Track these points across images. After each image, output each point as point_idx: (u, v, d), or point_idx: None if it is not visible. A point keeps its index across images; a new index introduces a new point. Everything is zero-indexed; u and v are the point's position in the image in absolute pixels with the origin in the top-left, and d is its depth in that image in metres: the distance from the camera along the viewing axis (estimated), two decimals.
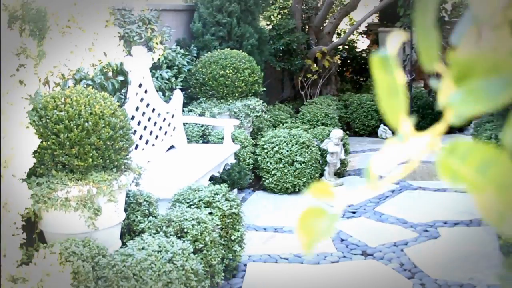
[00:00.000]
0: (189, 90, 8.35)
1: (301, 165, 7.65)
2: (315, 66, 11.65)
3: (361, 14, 14.31)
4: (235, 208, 5.23)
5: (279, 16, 12.00)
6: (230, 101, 8.14)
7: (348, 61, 14.86)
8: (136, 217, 4.91)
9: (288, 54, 11.51)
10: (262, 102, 8.43)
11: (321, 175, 8.21)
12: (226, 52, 8.32)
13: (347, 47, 14.75)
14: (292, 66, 11.48)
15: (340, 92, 13.03)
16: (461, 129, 11.89)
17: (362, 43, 16.38)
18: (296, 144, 7.71)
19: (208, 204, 5.10)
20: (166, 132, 7.18)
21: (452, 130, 11.58)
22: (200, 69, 8.18)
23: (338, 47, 13.31)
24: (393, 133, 10.14)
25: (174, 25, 8.36)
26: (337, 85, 12.95)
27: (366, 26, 15.38)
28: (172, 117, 7.31)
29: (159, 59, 7.39)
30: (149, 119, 6.78)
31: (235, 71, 8.11)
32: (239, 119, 7.90)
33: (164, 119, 7.14)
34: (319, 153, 8.01)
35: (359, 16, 14.76)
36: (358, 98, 11.72)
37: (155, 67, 7.26)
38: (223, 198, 5.20)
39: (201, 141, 7.91)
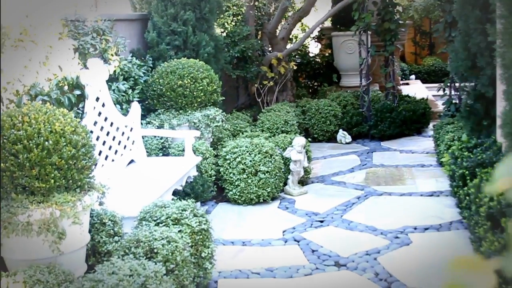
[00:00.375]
0: (147, 102, 8.11)
1: (265, 174, 7.49)
2: (271, 72, 11.51)
3: (312, 19, 14.28)
4: (204, 224, 5.02)
5: (233, 23, 11.83)
6: (189, 111, 7.92)
7: (302, 67, 14.78)
8: (101, 237, 4.68)
9: (244, 62, 11.34)
10: (222, 112, 8.23)
11: (285, 183, 8.06)
12: (183, 62, 8.11)
13: (300, 52, 14.66)
14: (248, 74, 11.32)
15: (296, 98, 12.91)
16: (419, 131, 11.86)
17: (315, 48, 16.34)
18: (259, 153, 7.54)
19: (176, 221, 4.89)
20: (125, 146, 6.93)
21: (410, 133, 11.58)
22: (157, 80, 7.95)
23: (292, 53, 13.18)
24: (353, 137, 10.11)
25: (128, 35, 8.12)
26: (293, 91, 12.83)
27: (318, 31, 15.31)
28: (131, 130, 7.07)
29: (115, 71, 7.14)
30: (107, 134, 6.53)
31: (193, 80, 7.90)
32: (199, 130, 7.69)
33: (123, 133, 6.89)
34: (282, 161, 7.85)
35: (310, 21, 14.72)
36: (315, 103, 11.60)
37: (111, 80, 7.01)
38: (191, 214, 4.99)
39: (161, 154, 7.69)
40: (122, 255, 4.39)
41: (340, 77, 14.43)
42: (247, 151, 7.57)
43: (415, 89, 16.19)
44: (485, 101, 7.48)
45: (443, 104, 10.73)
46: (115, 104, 6.89)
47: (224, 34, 11.34)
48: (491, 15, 7.07)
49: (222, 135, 8.44)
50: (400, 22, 11.77)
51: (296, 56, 14.34)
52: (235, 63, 11.26)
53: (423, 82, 18.98)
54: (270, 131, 9.71)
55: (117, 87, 7.22)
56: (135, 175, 6.64)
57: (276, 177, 7.62)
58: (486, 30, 7.06)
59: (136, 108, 7.19)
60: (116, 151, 6.71)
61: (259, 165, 7.49)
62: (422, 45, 22.33)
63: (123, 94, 7.37)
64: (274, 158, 7.62)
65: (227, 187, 7.62)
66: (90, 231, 4.60)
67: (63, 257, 4.15)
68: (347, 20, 13.34)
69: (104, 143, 6.44)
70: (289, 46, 13.04)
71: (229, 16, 11.59)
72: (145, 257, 4.33)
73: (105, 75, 6.53)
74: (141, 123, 7.51)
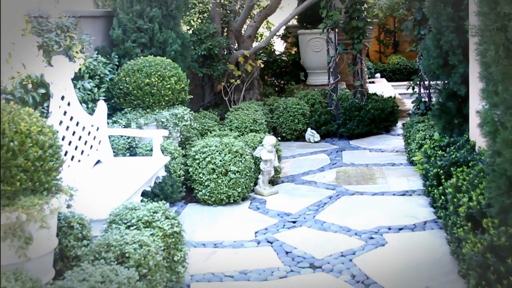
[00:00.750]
0: (113, 101, 7.89)
1: (235, 174, 7.32)
2: (238, 71, 11.35)
3: (277, 18, 14.17)
4: (177, 226, 4.85)
5: (199, 21, 11.65)
6: (157, 110, 7.73)
7: (268, 65, 14.65)
8: (69, 241, 4.46)
9: (210, 60, 11.18)
10: (190, 111, 8.05)
11: (255, 183, 7.90)
12: (150, 60, 7.90)
13: (266, 50, 14.53)
14: (215, 72, 11.15)
15: (263, 96, 12.77)
16: (387, 129, 11.81)
17: (281, 46, 16.24)
18: (229, 153, 7.38)
19: (147, 224, 4.71)
20: (91, 146, 6.72)
21: (378, 131, 11.52)
22: (124, 78, 7.74)
23: (258, 51, 13.04)
24: (321, 136, 9.99)
25: (92, 32, 7.88)
26: (260, 90, 12.70)
27: (284, 29, 15.19)
28: (97, 129, 6.85)
29: (80, 69, 6.91)
30: (73, 133, 6.31)
31: (161, 79, 7.70)
32: (167, 129, 7.50)
33: (89, 133, 6.68)
34: (252, 161, 7.70)
35: (275, 19, 14.61)
36: (283, 102, 11.47)
37: (76, 78, 6.77)
38: (163, 217, 4.82)
39: (128, 154, 7.48)
40: (92, 260, 4.20)
41: (307, 75, 14.33)
42: (217, 151, 7.40)
43: (381, 87, 16.18)
44: (457, 100, 7.42)
45: (412, 102, 10.66)
46: (80, 103, 6.67)
47: (190, 31, 11.15)
48: (463, 12, 7.02)
49: (190, 134, 8.25)
50: (368, 20, 11.70)
51: (263, 54, 14.20)
52: (201, 61, 11.08)
53: (388, 81, 19.00)
54: (239, 130, 9.54)
55: (82, 85, 7.00)
56: (102, 176, 6.43)
57: (247, 177, 7.46)
58: (458, 28, 7.00)
59: (102, 107, 6.97)
60: (82, 151, 6.50)
61: (229, 165, 7.32)
62: (387, 44, 22.37)
63: (89, 92, 7.14)
64: (244, 157, 7.47)
65: (197, 188, 7.45)
66: (57, 235, 4.39)
67: (30, 262, 3.94)
68: (313, 18, 13.27)
69: (70, 143, 6.22)
70: (255, 44, 12.90)
71: (195, 14, 11.42)
72: (116, 262, 4.14)
73: (70, 73, 6.31)
74: (108, 123, 7.29)
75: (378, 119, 11.41)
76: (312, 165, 9.39)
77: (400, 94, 15.18)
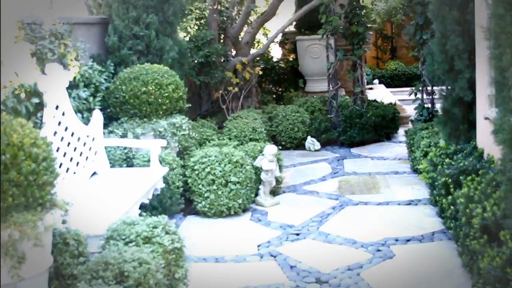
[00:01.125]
0: (109, 110, 7.65)
1: (235, 185, 7.11)
2: (235, 78, 11.13)
3: (274, 23, 13.99)
4: (177, 242, 4.63)
5: (196, 27, 11.44)
6: (154, 120, 7.48)
7: (266, 72, 14.43)
8: (65, 259, 4.24)
9: (208, 67, 10.95)
10: (188, 120, 7.82)
11: (256, 194, 7.68)
12: (147, 67, 7.66)
13: (263, 57, 14.31)
14: (212, 79, 10.93)
15: (261, 104, 12.57)
16: (389, 137, 11.62)
17: (278, 52, 16.06)
18: (229, 163, 7.17)
19: (147, 239, 4.48)
20: (87, 158, 6.49)
21: (380, 138, 11.34)
22: (120, 87, 7.50)
23: (256, 58, 12.82)
24: (322, 144, 9.77)
25: (87, 39, 7.65)
26: (258, 97, 12.49)
27: (282, 35, 14.97)
28: (93, 140, 6.62)
29: (75, 78, 6.69)
30: (68, 144, 6.07)
31: (158, 87, 7.46)
32: (165, 139, 7.26)
33: (85, 143, 6.45)
34: (253, 171, 7.48)
35: (272, 25, 14.43)
36: (282, 110, 11.27)
37: (71, 86, 6.55)
38: (163, 232, 4.60)
39: (125, 165, 7.24)
40: (89, 280, 3.97)
41: (306, 82, 14.14)
42: (217, 161, 7.19)
43: (380, 93, 16.03)
44: (463, 106, 7.21)
45: (415, 109, 10.44)
46: (75, 112, 6.44)
47: (187, 38, 10.93)
48: (469, 16, 6.83)
49: (189, 144, 8.01)
50: (368, 25, 11.53)
51: (260, 61, 13.98)
52: (198, 69, 10.86)
53: (387, 87, 18.82)
54: (238, 139, 9.32)
55: (77, 94, 6.77)
56: (98, 188, 6.19)
57: (247, 187, 7.25)
58: (464, 32, 6.81)
59: (98, 117, 6.75)
60: (77, 163, 6.26)
61: (230, 175, 7.11)
62: (384, 49, 22.21)
63: (84, 101, 6.91)
64: (245, 168, 7.25)
65: (196, 199, 7.23)
66: (52, 252, 4.16)
67: (23, 282, 3.71)
68: (312, 23, 13.08)
69: (64, 154, 5.98)
70: (253, 51, 12.69)
71: (192, 20, 11.21)
72: (115, 282, 3.92)
73: (65, 81, 6.08)
74: (104, 133, 7.06)
75: (379, 126, 11.22)
76: (314, 174, 9.18)
77: (399, 100, 15.01)
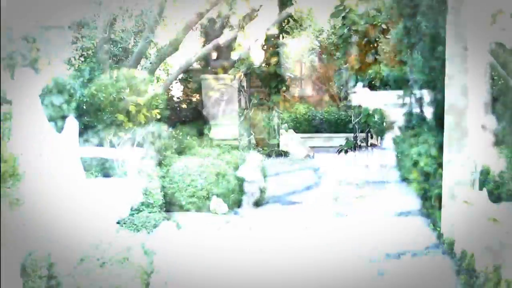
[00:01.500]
0: (84, 118, 7.27)
1: (218, 197, 6.78)
2: (128, 122, 9.98)
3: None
4: None
5: (82, 59, 10.26)
6: (132, 128, 7.13)
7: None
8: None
9: (96, 108, 9.88)
10: (168, 128, 7.47)
11: (239, 206, 7.35)
12: (124, 72, 7.32)
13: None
14: (100, 123, 9.87)
15: (159, 153, 11.52)
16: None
17: (179, 91, 14.26)
18: (210, 174, 6.84)
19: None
20: (61, 168, 6.12)
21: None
22: (95, 93, 7.15)
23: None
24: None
25: (60, 43, 7.31)
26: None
27: (185, 73, 13.07)
28: (67, 149, 6.25)
29: (47, 85, 6.35)
30: (40, 155, 5.71)
31: (136, 94, 7.12)
32: (143, 148, 6.92)
33: (58, 153, 6.08)
34: (236, 182, 7.16)
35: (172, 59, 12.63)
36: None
37: (43, 93, 6.21)
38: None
39: (100, 175, 6.88)
40: None
41: (211, 127, 12.18)
42: (198, 173, 6.89)
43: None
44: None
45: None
46: (48, 120, 6.09)
47: (70, 71, 9.29)
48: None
49: (168, 153, 7.65)
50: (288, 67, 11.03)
51: (159, 102, 12.07)
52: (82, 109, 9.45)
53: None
54: (220, 147, 8.98)
55: (50, 101, 6.43)
56: (72, 204, 5.81)
57: (230, 199, 6.93)
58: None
59: (72, 124, 6.39)
60: (50, 175, 5.90)
61: (211, 187, 6.79)
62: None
63: (58, 109, 6.57)
64: (227, 178, 6.95)
65: (176, 211, 6.88)
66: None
67: None
68: (221, 61, 12.12)
69: (36, 166, 5.62)
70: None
71: (76, 50, 9.65)
72: None
73: (37, 88, 5.73)
74: (79, 141, 6.70)
75: None
76: (298, 184, 8.85)
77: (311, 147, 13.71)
